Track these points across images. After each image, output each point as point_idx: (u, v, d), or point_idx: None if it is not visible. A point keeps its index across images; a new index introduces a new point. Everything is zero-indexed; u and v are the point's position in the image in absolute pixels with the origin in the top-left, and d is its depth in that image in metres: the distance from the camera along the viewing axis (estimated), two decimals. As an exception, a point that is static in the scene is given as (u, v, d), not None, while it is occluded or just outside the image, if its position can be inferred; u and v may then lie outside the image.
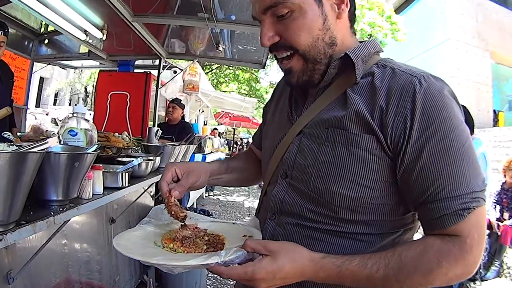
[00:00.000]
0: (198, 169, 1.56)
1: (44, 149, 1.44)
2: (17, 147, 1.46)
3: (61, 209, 1.80)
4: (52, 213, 1.71)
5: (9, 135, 2.64)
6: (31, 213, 1.66)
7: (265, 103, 1.77)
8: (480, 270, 5.24)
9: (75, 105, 2.28)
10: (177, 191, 1.42)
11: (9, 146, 1.50)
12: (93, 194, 2.16)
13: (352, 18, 1.33)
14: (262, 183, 1.60)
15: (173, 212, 1.37)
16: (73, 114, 2.25)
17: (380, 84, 1.18)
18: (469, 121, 3.91)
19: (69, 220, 1.88)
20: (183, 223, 1.41)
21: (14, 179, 1.34)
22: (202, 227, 1.47)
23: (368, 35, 17.05)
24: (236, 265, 1.11)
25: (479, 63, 19.26)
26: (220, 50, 6.45)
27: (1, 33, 4.11)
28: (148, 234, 1.42)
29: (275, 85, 1.77)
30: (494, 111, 19.29)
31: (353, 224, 1.22)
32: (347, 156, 1.17)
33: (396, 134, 1.12)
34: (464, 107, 3.90)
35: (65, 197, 1.82)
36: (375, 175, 1.16)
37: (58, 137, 1.51)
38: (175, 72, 8.49)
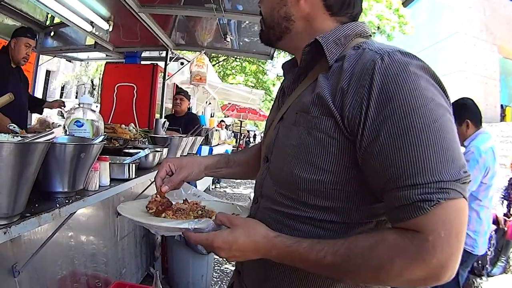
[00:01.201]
0: (190, 163, 1.64)
1: (49, 140, 1.40)
2: (22, 138, 1.42)
3: (67, 201, 1.77)
4: (57, 205, 1.68)
5: (14, 127, 2.61)
6: (36, 205, 1.63)
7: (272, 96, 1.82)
8: (487, 266, 5.18)
9: (82, 95, 2.22)
10: (166, 185, 1.53)
11: (13, 137, 1.46)
12: (99, 186, 2.13)
13: (334, 6, 1.28)
14: None
15: (148, 209, 1.47)
16: (79, 104, 2.20)
17: (347, 66, 1.11)
18: (476, 113, 3.86)
19: (75, 212, 1.84)
20: (184, 199, 1.58)
21: (19, 170, 1.31)
22: (204, 204, 1.58)
23: (376, 27, 16.94)
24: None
25: (487, 57, 19.10)
26: (228, 41, 6.37)
27: (35, 38, 4.54)
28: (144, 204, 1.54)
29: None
30: (502, 105, 19.15)
31: (317, 210, 1.16)
32: (309, 139, 1.14)
33: (352, 114, 1.04)
34: (470, 99, 3.86)
35: (71, 189, 1.79)
36: (335, 159, 1.10)
37: (64, 127, 1.46)
38: (182, 63, 8.45)
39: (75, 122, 2.12)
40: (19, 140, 1.35)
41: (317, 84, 1.18)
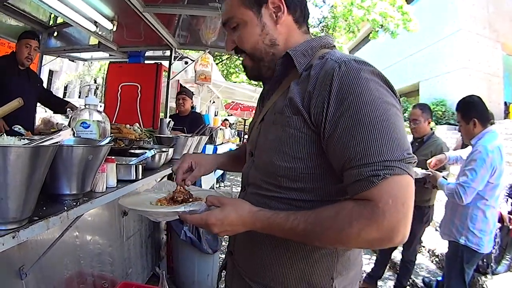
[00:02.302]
0: (209, 161, 1.94)
1: (57, 142, 1.39)
2: (29, 141, 1.40)
3: (74, 203, 1.76)
4: (65, 208, 1.68)
5: (19, 129, 2.60)
6: (44, 208, 1.63)
7: None
8: (491, 264, 5.15)
9: (86, 96, 2.20)
10: (190, 180, 1.78)
11: (19, 140, 1.44)
12: (106, 188, 2.12)
13: (299, 19, 1.55)
14: None
15: (179, 199, 1.65)
16: (85, 105, 2.19)
17: (313, 73, 1.35)
18: (483, 112, 3.87)
19: (82, 214, 1.83)
20: (174, 190, 1.72)
21: (27, 174, 1.30)
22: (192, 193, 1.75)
23: (380, 25, 16.86)
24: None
25: (490, 54, 18.99)
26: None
27: (36, 39, 4.72)
28: (148, 197, 1.70)
29: None
30: (505, 103, 19.02)
31: (294, 191, 1.40)
32: (283, 134, 1.38)
33: (317, 112, 1.28)
34: (477, 97, 3.85)
35: (78, 191, 1.79)
36: (305, 149, 1.34)
37: (72, 129, 1.44)
38: (186, 62, 8.42)
39: (81, 123, 2.11)
40: (27, 144, 1.34)
41: (289, 90, 1.42)
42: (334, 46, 1.57)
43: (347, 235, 1.18)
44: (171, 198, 1.66)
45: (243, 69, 1.68)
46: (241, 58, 1.65)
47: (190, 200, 1.64)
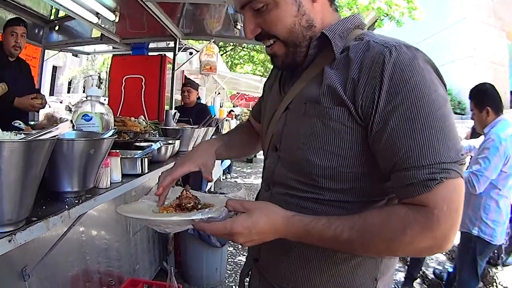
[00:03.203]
0: (209, 159, 1.67)
1: (54, 136, 1.28)
2: (25, 136, 1.29)
3: (76, 201, 1.66)
4: (66, 206, 1.57)
5: (20, 124, 2.50)
6: (44, 207, 1.52)
7: None
8: (502, 255, 5.08)
9: (89, 88, 2.09)
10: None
11: (16, 135, 1.34)
12: (110, 183, 2.01)
13: None
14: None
15: (189, 205, 1.43)
16: (86, 97, 2.08)
17: (354, 56, 1.21)
18: (496, 100, 3.80)
19: (85, 213, 1.73)
20: (179, 195, 1.48)
21: (22, 171, 1.19)
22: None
23: (385, 14, 16.71)
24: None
25: (496, 43, 18.84)
26: (239, 29, 6.25)
27: (22, 24, 4.40)
28: (148, 205, 1.49)
29: None
30: (511, 92, 18.90)
31: (333, 192, 1.26)
32: (322, 128, 1.23)
33: (366, 104, 1.14)
34: (490, 85, 3.74)
35: (81, 188, 1.68)
36: (348, 145, 1.20)
37: (71, 121, 1.33)
38: (191, 53, 8.33)
39: (83, 116, 2.00)
40: (21, 139, 1.23)
41: (324, 76, 1.25)
42: (365, 25, 1.40)
43: (399, 244, 1.08)
44: (178, 205, 1.44)
45: (271, 59, 1.44)
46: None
47: (200, 206, 1.45)
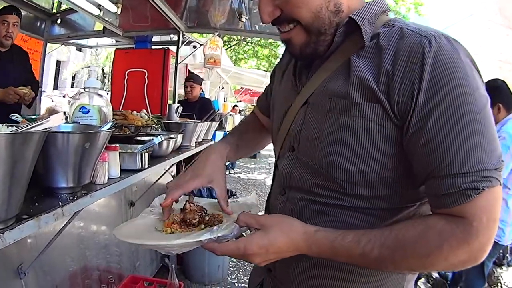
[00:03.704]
0: (221, 174, 1.43)
1: (45, 129, 1.19)
2: (16, 128, 1.21)
3: (71, 198, 1.57)
4: (60, 203, 1.48)
5: (17, 117, 2.42)
6: (36, 204, 1.44)
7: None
8: (507, 255, 5.02)
9: (88, 79, 2.00)
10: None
11: (7, 128, 1.26)
12: (108, 178, 1.92)
13: None
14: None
15: (194, 221, 1.30)
16: (84, 89, 1.99)
17: (386, 44, 1.07)
18: (509, 97, 3.66)
19: (81, 210, 1.64)
20: (182, 207, 1.34)
21: (10, 165, 1.10)
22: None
23: (391, 9, 16.73)
24: (233, 239, 1.10)
25: (502, 41, 18.78)
26: (243, 21, 6.17)
27: (14, 13, 4.20)
28: (150, 221, 1.35)
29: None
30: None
31: (362, 199, 1.14)
32: (351, 127, 1.09)
33: (403, 100, 1.01)
34: (503, 81, 3.65)
35: (76, 183, 1.59)
36: (382, 147, 1.07)
37: (64, 113, 1.24)
38: (194, 47, 8.27)
39: (80, 108, 1.91)
40: (9, 131, 1.15)
41: (352, 67, 1.11)
42: (390, 10, 1.25)
43: (434, 260, 0.98)
44: (182, 221, 1.29)
45: (286, 46, 1.27)
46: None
47: (207, 218, 1.31)
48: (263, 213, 1.35)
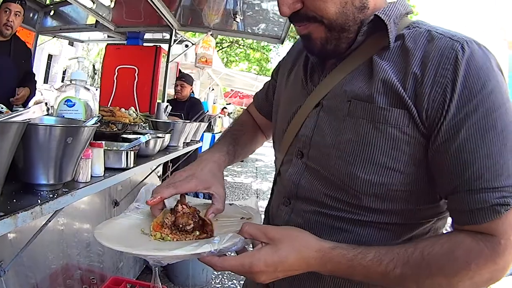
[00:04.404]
0: (220, 184, 1.27)
1: (25, 120, 1.11)
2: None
3: (51, 195, 1.48)
4: (39, 201, 1.39)
5: (2, 108, 2.33)
6: (14, 200, 1.34)
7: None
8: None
9: (74, 71, 1.91)
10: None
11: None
12: (91, 176, 1.82)
13: None
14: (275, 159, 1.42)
15: (188, 227, 1.16)
16: (70, 81, 1.90)
17: (413, 46, 1.01)
18: None
19: (61, 209, 1.55)
20: (172, 207, 1.21)
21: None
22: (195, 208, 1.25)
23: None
24: (233, 254, 1.00)
25: (496, 52, 18.87)
26: (238, 21, 6.11)
27: (18, 2, 4.06)
28: (135, 221, 1.24)
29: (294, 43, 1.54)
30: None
31: (379, 213, 1.06)
32: (373, 134, 1.01)
33: (433, 108, 0.94)
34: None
35: (57, 180, 1.49)
36: (406, 157, 1.00)
37: (46, 104, 1.16)
38: (186, 46, 8.20)
39: (65, 101, 1.82)
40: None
41: (376, 68, 1.03)
42: (412, 12, 1.19)
43: (460, 279, 0.91)
44: (174, 225, 1.16)
45: (304, 42, 1.15)
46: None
47: (201, 223, 1.17)
48: (257, 221, 1.23)
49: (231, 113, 21.82)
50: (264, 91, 1.60)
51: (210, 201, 1.25)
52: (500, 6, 19.49)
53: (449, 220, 1.09)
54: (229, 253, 1.00)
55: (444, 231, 1.17)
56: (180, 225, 1.15)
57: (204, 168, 1.27)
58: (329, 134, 1.09)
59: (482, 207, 0.90)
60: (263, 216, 1.36)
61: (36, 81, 4.79)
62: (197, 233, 1.16)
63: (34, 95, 4.53)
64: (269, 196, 1.40)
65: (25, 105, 4.22)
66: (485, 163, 0.90)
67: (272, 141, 1.46)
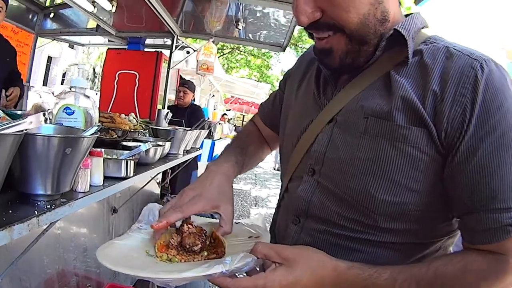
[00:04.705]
0: (229, 200, 1.22)
1: (22, 131, 1.07)
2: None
3: (48, 206, 1.43)
4: (36, 212, 1.34)
5: (-1, 113, 2.29)
6: (10, 211, 1.30)
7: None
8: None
9: (74, 78, 1.86)
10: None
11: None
12: (90, 186, 1.77)
13: None
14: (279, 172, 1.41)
15: (196, 248, 1.12)
16: (70, 88, 1.86)
17: (431, 62, 1.00)
18: None
19: (57, 220, 1.51)
20: (177, 227, 1.20)
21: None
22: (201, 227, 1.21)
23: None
24: (244, 274, 0.99)
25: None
26: (240, 29, 6.08)
27: None
28: (139, 243, 1.18)
29: (301, 56, 1.50)
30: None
31: (392, 233, 1.06)
32: (391, 153, 0.99)
33: (453, 127, 0.94)
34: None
35: (54, 191, 1.45)
36: (423, 176, 0.98)
37: (44, 114, 1.12)
38: (188, 52, 8.19)
39: (64, 108, 1.78)
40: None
41: (394, 84, 1.02)
42: (428, 26, 1.16)
43: None
44: (181, 245, 1.12)
45: (321, 56, 1.10)
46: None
47: (208, 242, 1.14)
48: (266, 240, 1.21)
49: (231, 119, 21.83)
50: (270, 102, 1.57)
51: (215, 220, 1.23)
52: (498, 15, 19.55)
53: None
54: (238, 273, 0.98)
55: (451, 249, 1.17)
56: (187, 246, 1.12)
57: (212, 182, 1.23)
58: (344, 151, 1.07)
59: (495, 227, 0.90)
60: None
61: (22, 80, 4.60)
62: (205, 253, 1.12)
63: (23, 95, 4.36)
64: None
65: (16, 105, 4.15)
66: (500, 183, 0.90)
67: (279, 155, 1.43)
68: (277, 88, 1.56)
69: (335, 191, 1.08)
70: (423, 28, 1.11)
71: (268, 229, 1.36)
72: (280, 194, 1.36)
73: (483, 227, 0.92)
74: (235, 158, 1.39)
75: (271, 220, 1.40)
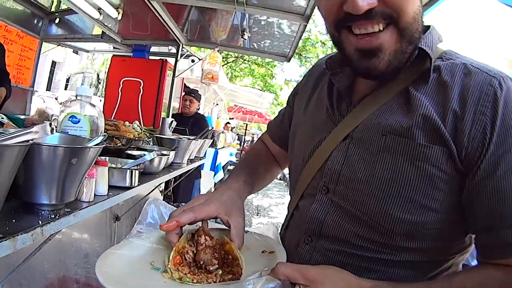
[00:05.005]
0: (240, 214, 1.16)
1: (28, 141, 1.06)
2: (-3, 135, 1.06)
3: (52, 216, 1.42)
4: (40, 222, 1.32)
5: (2, 118, 2.28)
6: (13, 221, 1.28)
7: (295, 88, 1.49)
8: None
9: (80, 86, 1.84)
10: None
11: (-10, 132, 1.12)
12: (95, 195, 1.76)
13: None
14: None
15: (211, 267, 1.01)
16: (76, 97, 1.85)
17: (450, 80, 0.98)
18: None
19: (60, 230, 1.50)
20: (191, 237, 1.08)
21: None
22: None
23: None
24: None
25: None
26: (245, 38, 6.07)
27: None
28: (141, 252, 1.08)
29: (309, 70, 1.46)
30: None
31: (408, 252, 1.03)
32: (411, 171, 0.97)
33: (473, 146, 0.92)
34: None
35: (59, 200, 1.43)
36: (441, 195, 0.97)
37: (50, 124, 1.11)
38: (193, 61, 8.20)
39: (70, 117, 1.77)
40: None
41: (414, 101, 1.00)
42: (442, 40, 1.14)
43: None
44: (194, 261, 1.02)
45: (364, 57, 0.99)
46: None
47: (223, 255, 1.04)
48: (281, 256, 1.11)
49: (234, 127, 21.82)
50: (279, 119, 1.53)
51: (225, 227, 1.14)
52: (500, 25, 19.47)
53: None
54: None
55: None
56: (202, 262, 1.01)
57: (224, 193, 1.19)
58: (361, 170, 1.04)
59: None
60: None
61: (10, 80, 4.45)
62: (220, 272, 1.01)
63: (10, 96, 4.20)
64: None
65: (1, 107, 3.96)
66: None
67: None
68: (280, 97, 1.54)
69: (351, 210, 1.06)
70: (439, 42, 1.10)
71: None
72: (288, 210, 1.31)
73: (503, 243, 0.91)
74: (244, 178, 1.34)
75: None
